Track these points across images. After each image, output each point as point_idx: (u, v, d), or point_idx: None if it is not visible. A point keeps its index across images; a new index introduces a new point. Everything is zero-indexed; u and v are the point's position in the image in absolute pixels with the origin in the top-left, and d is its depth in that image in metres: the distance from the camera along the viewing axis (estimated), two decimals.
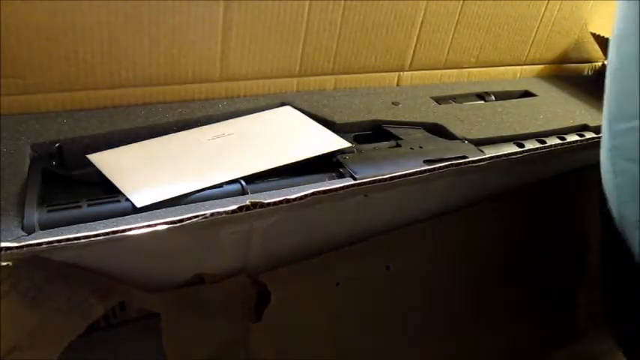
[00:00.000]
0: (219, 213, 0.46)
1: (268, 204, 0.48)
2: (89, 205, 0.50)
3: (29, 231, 0.46)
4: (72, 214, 0.49)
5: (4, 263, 0.40)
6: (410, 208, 0.66)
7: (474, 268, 0.75)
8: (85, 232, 0.42)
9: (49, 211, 0.48)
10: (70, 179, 0.58)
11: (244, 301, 0.58)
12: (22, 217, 0.46)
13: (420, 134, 0.76)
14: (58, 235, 0.42)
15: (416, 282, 0.70)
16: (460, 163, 0.60)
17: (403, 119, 0.79)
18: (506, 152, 0.65)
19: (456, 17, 0.90)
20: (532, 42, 1.03)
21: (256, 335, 0.58)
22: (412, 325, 0.73)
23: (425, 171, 0.58)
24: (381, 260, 0.65)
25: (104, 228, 0.45)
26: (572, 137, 0.82)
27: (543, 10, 1.00)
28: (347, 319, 0.66)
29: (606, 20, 1.11)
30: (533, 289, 0.85)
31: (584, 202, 0.84)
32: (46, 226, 0.47)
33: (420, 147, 0.71)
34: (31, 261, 0.42)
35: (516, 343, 0.88)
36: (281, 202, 0.49)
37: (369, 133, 0.76)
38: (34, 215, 0.47)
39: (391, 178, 0.56)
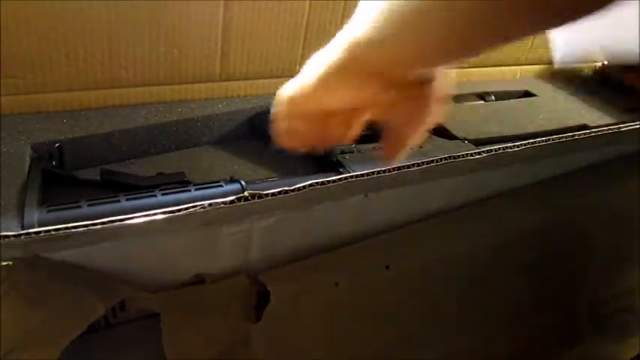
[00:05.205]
0: (217, 204, 0.46)
1: (267, 195, 0.48)
2: (89, 205, 0.50)
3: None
4: (72, 214, 0.49)
5: (4, 263, 0.40)
6: (410, 208, 0.66)
7: (474, 268, 0.75)
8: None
9: (48, 211, 0.48)
10: (70, 179, 0.58)
11: (244, 301, 0.58)
12: (22, 218, 0.46)
13: None
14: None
15: (416, 282, 0.70)
16: (458, 156, 0.60)
17: None
18: (505, 146, 0.65)
19: None
20: (532, 42, 1.03)
21: (256, 335, 0.58)
22: (412, 325, 0.73)
23: (423, 163, 0.58)
24: (381, 260, 0.65)
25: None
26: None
27: None
28: (347, 319, 0.66)
29: None
30: (535, 289, 0.85)
31: (585, 202, 0.84)
32: (45, 227, 0.47)
33: (420, 147, 0.71)
34: (31, 261, 0.42)
35: (517, 344, 0.88)
36: (279, 192, 0.49)
37: (369, 133, 0.76)
38: (34, 215, 0.47)
39: (390, 170, 0.55)
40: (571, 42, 0.56)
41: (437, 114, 0.54)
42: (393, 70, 0.46)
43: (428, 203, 0.67)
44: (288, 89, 0.49)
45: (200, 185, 0.56)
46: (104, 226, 0.42)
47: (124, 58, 0.66)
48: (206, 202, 0.46)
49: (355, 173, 0.55)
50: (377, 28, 0.44)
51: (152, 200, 0.52)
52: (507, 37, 0.41)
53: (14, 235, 0.40)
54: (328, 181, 0.52)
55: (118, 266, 0.47)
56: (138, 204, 0.51)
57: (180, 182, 0.57)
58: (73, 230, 0.41)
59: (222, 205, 0.47)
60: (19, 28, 0.59)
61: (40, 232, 0.41)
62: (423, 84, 0.50)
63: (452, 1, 0.39)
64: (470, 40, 0.42)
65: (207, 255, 0.52)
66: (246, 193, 0.48)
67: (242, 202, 0.48)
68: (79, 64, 0.64)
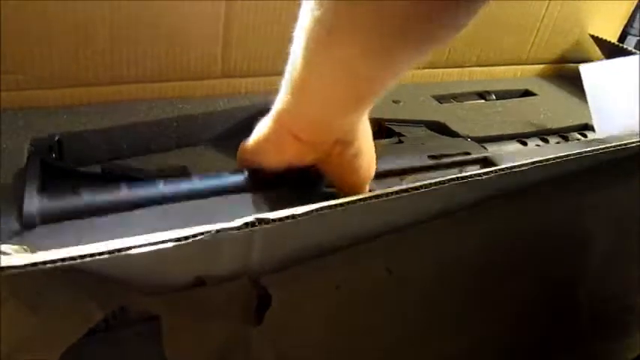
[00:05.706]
0: (224, 229, 0.46)
1: (274, 220, 0.48)
2: (89, 196, 0.49)
3: (29, 224, 0.45)
4: (72, 205, 0.48)
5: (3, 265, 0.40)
6: (411, 210, 0.66)
7: (475, 269, 0.75)
8: (86, 241, 0.42)
9: (48, 200, 0.48)
10: (69, 172, 0.58)
11: (245, 303, 0.57)
12: (21, 211, 0.46)
13: (422, 132, 0.76)
14: (58, 246, 0.42)
15: (417, 284, 0.70)
16: (465, 177, 0.60)
17: (404, 118, 0.79)
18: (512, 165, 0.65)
19: None
20: (533, 42, 1.03)
21: (257, 338, 0.58)
22: (413, 328, 0.73)
23: (430, 185, 0.58)
24: (382, 263, 0.65)
25: (105, 230, 0.45)
26: (574, 135, 0.83)
27: (544, 10, 1.00)
28: (347, 321, 0.66)
29: (607, 21, 1.11)
30: (535, 290, 0.85)
31: (585, 202, 0.84)
32: (45, 219, 0.46)
33: (423, 143, 0.71)
34: (30, 266, 0.41)
35: (517, 344, 0.88)
36: (287, 217, 0.49)
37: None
38: (33, 208, 0.47)
39: (398, 192, 0.55)
40: (613, 113, 0.57)
41: (366, 171, 0.55)
42: (306, 132, 0.48)
43: (429, 205, 0.67)
44: (248, 140, 0.52)
45: (203, 175, 0.56)
46: (111, 255, 0.42)
47: (125, 55, 0.66)
48: (213, 228, 0.46)
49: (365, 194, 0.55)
50: (284, 94, 0.46)
51: (154, 190, 0.51)
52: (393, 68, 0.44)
53: (18, 267, 0.40)
54: (335, 205, 0.52)
55: (117, 270, 0.47)
56: (139, 193, 0.51)
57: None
58: (78, 261, 0.41)
59: (230, 230, 0.47)
60: (19, 25, 0.58)
61: (45, 262, 0.40)
62: (344, 144, 0.51)
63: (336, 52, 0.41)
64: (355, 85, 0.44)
65: (208, 258, 0.52)
66: (253, 218, 0.48)
67: (249, 228, 0.48)
68: (80, 60, 0.64)
